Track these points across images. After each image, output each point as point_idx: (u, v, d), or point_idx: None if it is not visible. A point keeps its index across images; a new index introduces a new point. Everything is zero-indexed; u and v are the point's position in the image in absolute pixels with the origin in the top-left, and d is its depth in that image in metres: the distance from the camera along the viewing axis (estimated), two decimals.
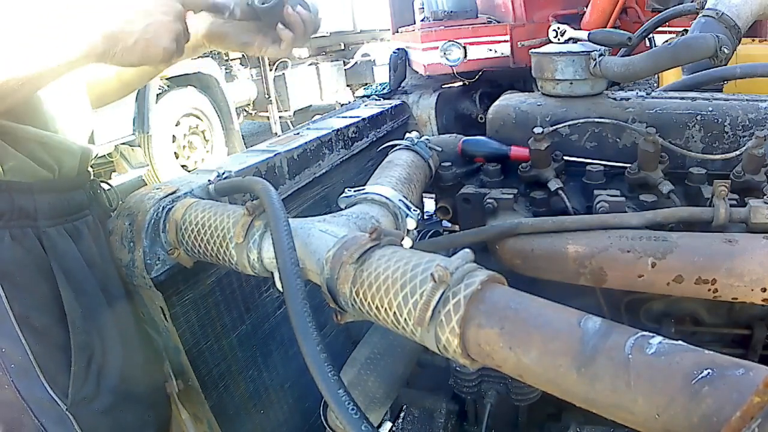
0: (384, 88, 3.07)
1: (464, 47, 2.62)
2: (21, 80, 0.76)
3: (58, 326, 0.87)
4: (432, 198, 1.49)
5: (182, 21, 0.87)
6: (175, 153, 6.56)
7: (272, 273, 0.81)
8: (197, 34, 1.05)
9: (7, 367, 0.83)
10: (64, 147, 0.93)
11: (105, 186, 1.08)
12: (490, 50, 2.63)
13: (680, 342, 0.53)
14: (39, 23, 0.76)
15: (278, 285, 0.76)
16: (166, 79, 6.37)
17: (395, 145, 1.33)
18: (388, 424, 1.26)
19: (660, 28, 1.83)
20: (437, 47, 2.63)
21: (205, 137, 7.04)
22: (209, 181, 1.02)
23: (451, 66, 2.64)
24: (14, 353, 0.83)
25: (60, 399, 0.86)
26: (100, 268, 0.97)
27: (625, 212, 1.12)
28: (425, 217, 1.90)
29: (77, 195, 0.97)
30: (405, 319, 0.65)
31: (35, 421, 0.84)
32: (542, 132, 1.24)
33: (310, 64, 9.39)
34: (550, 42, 1.41)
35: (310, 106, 9.34)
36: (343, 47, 10.06)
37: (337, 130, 1.48)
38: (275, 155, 1.24)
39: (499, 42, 2.62)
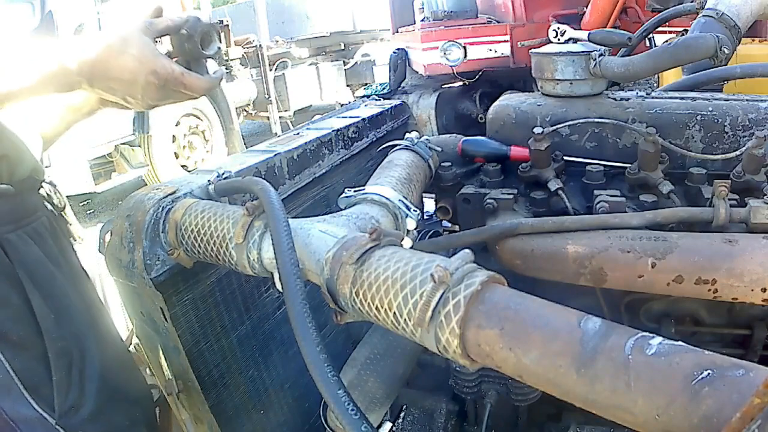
0: (384, 88, 3.07)
1: (464, 47, 2.62)
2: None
3: (34, 336, 0.86)
4: (432, 198, 1.49)
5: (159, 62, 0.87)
6: (175, 153, 6.56)
7: (272, 273, 0.81)
8: (91, 101, 1.08)
9: None
10: (16, 157, 0.93)
11: (50, 187, 1.08)
12: (490, 50, 2.63)
13: (680, 342, 0.53)
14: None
15: (278, 285, 0.76)
16: None
17: (395, 145, 1.33)
18: (388, 425, 1.26)
19: (660, 28, 1.83)
20: (437, 47, 2.63)
21: (205, 137, 7.04)
22: (209, 181, 1.02)
23: (451, 66, 2.64)
24: None
25: (48, 414, 0.84)
26: (64, 267, 0.96)
27: (625, 212, 1.12)
28: (425, 217, 1.90)
29: (30, 198, 0.97)
30: (405, 319, 0.65)
31: None
32: (542, 132, 1.24)
33: (310, 64, 9.39)
34: (550, 42, 1.41)
35: (310, 106, 9.34)
36: (343, 47, 10.06)
37: (337, 130, 1.48)
38: (275, 155, 1.24)
39: (499, 42, 2.62)
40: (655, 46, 2.06)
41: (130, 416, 0.99)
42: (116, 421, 0.95)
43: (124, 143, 6.06)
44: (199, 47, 0.95)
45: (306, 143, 1.34)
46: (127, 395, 0.99)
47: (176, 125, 6.56)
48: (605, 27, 2.34)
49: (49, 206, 1.04)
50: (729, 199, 1.05)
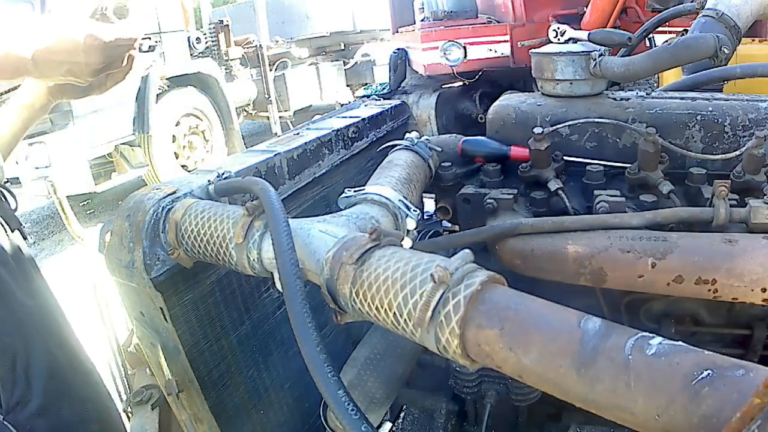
0: (384, 88, 3.07)
1: (464, 47, 2.62)
2: None
3: None
4: (432, 198, 1.49)
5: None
6: (175, 153, 6.57)
7: (272, 273, 0.81)
8: (41, 95, 1.12)
9: None
10: None
11: (2, 189, 1.09)
12: (490, 50, 2.63)
13: (680, 342, 0.53)
14: None
15: (278, 285, 0.76)
16: (167, 79, 6.38)
17: (395, 145, 1.33)
18: (388, 425, 1.26)
19: (660, 28, 1.83)
20: (437, 47, 2.63)
21: (205, 137, 7.05)
22: (209, 181, 1.02)
23: (451, 66, 2.64)
24: None
25: None
26: (13, 266, 0.96)
27: (625, 212, 1.12)
28: (425, 217, 1.90)
29: None
30: (405, 319, 0.65)
31: None
32: (542, 132, 1.24)
33: (310, 64, 9.40)
34: (550, 42, 1.41)
35: (310, 106, 9.34)
36: (343, 47, 10.08)
37: (337, 130, 1.48)
38: (275, 155, 1.24)
39: (499, 42, 2.62)
40: (655, 46, 2.06)
41: (80, 413, 1.00)
42: (65, 416, 0.96)
43: (124, 143, 6.06)
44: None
45: (306, 143, 1.34)
46: (77, 393, 1.00)
47: (176, 125, 6.56)
48: (605, 27, 2.34)
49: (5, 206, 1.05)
50: (729, 199, 1.05)
